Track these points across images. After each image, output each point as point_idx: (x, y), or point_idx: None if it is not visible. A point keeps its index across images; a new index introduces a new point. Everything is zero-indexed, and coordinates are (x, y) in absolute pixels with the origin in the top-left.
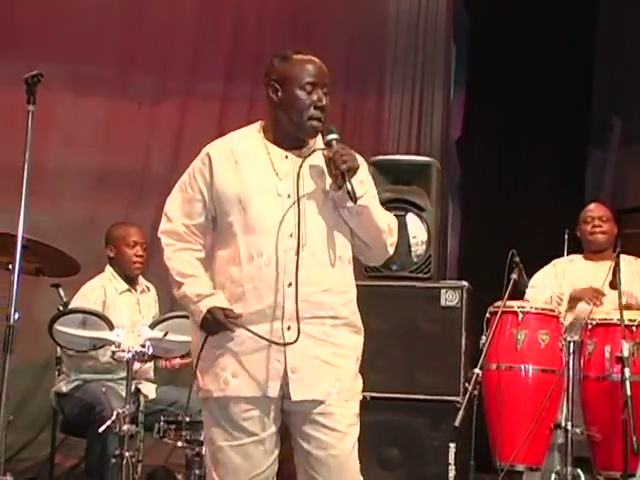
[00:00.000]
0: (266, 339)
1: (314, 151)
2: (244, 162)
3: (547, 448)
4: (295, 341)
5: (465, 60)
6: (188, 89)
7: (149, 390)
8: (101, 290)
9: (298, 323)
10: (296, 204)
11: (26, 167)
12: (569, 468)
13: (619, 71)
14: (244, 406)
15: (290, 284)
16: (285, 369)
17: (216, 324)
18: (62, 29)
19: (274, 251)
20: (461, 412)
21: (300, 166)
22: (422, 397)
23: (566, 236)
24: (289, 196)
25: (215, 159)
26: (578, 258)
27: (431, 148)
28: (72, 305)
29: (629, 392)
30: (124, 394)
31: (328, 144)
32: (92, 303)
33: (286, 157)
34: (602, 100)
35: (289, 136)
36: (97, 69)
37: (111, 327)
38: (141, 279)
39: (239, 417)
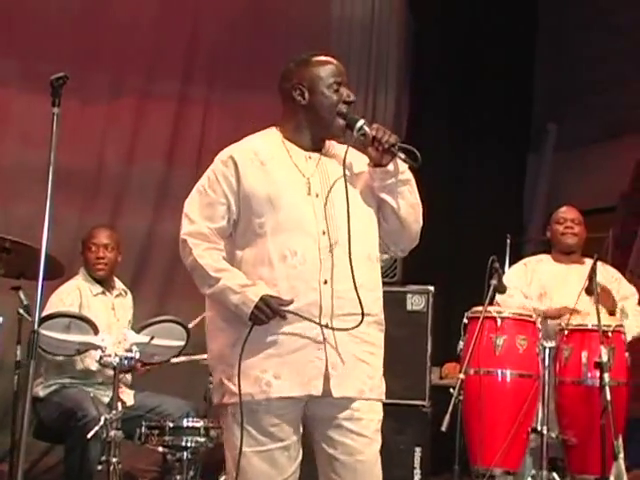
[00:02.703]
0: (320, 324)
1: (348, 148)
2: (270, 163)
3: (524, 452)
4: (356, 326)
5: (410, 64)
6: (144, 89)
7: (127, 396)
8: (76, 292)
9: (362, 313)
10: (326, 202)
11: (51, 170)
12: (544, 472)
13: (556, 79)
14: (276, 411)
15: (325, 281)
16: (326, 366)
17: (270, 312)
18: (17, 25)
19: (308, 250)
20: (447, 417)
21: (324, 165)
22: (388, 401)
23: (508, 241)
24: (317, 195)
25: (240, 161)
26: (547, 259)
27: None
28: (48, 308)
29: (609, 397)
30: (104, 400)
31: (360, 130)
32: (69, 305)
33: (309, 157)
34: (540, 107)
35: (314, 138)
36: (53, 66)
37: (96, 331)
38: (118, 282)
39: (267, 423)
